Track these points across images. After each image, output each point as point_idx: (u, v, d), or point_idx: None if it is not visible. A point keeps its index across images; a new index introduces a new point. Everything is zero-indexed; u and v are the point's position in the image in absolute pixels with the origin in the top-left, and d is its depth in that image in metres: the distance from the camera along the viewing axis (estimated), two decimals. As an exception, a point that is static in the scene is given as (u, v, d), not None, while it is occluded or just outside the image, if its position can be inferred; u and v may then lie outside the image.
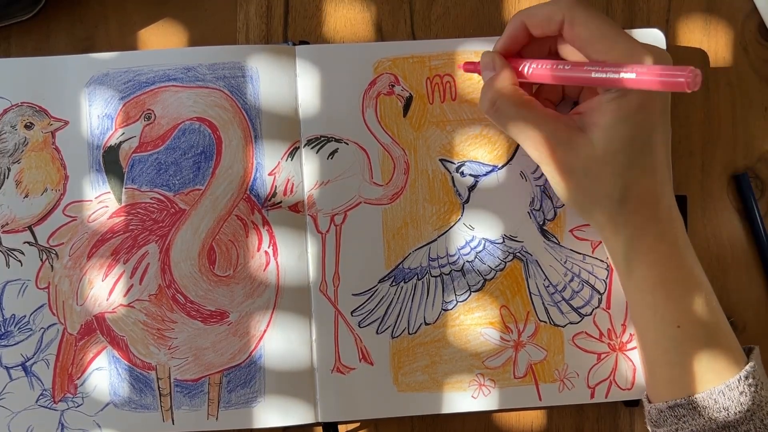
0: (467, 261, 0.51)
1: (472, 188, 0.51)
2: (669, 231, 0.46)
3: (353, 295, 0.51)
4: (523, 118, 0.45)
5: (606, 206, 0.45)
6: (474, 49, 0.51)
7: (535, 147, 0.45)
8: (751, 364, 0.45)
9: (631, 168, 0.45)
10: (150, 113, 0.50)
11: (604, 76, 0.41)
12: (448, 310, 0.51)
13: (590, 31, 0.44)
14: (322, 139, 0.51)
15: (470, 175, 0.51)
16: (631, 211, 0.45)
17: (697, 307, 0.45)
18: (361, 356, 0.51)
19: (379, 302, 0.51)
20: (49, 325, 0.50)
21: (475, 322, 0.51)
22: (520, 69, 0.46)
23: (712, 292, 0.47)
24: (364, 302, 0.51)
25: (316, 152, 0.51)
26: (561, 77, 0.44)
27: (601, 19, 0.44)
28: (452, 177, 0.51)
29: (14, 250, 0.50)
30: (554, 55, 0.48)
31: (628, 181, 0.45)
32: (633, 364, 0.51)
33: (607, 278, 0.52)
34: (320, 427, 0.52)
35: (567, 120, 0.45)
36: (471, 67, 0.50)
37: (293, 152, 0.50)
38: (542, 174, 0.51)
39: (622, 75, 0.40)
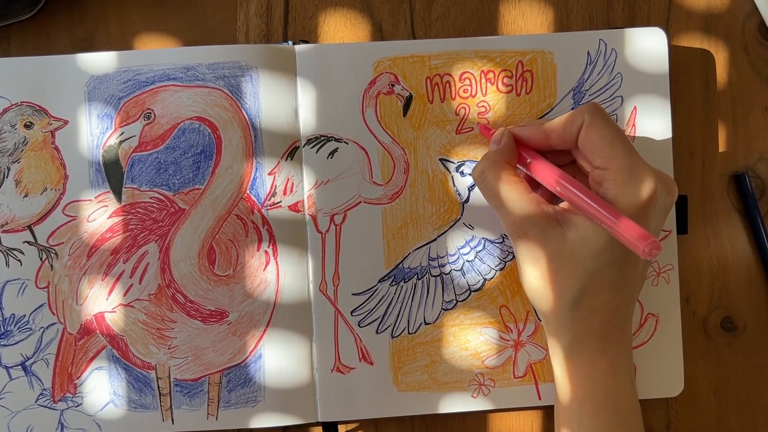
0: (467, 261, 0.51)
1: (472, 188, 0.51)
2: (612, 349, 0.46)
3: (353, 294, 0.51)
4: (505, 197, 0.46)
5: (556, 303, 0.45)
6: (474, 49, 0.51)
7: (509, 225, 0.46)
8: None
9: (595, 277, 0.44)
10: (150, 113, 0.50)
11: (589, 208, 0.43)
12: (448, 309, 0.51)
13: (602, 136, 0.45)
14: (322, 138, 0.51)
15: (470, 174, 0.51)
16: (578, 318, 0.45)
17: (621, 430, 0.45)
18: (360, 356, 0.51)
19: (378, 302, 0.51)
20: (49, 325, 0.50)
21: (474, 321, 0.51)
22: (525, 158, 0.48)
23: (641, 421, 0.47)
24: (364, 302, 0.51)
25: (316, 152, 0.51)
26: (553, 187, 0.46)
27: (616, 130, 0.45)
28: (452, 177, 0.51)
29: (14, 249, 0.50)
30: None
31: (586, 288, 0.45)
32: (634, 364, 0.51)
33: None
34: (320, 427, 0.52)
35: (549, 210, 0.45)
36: (485, 132, 0.51)
37: (293, 152, 0.50)
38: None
39: (602, 218, 0.43)
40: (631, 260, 0.45)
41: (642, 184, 0.44)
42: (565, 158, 0.49)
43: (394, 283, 0.51)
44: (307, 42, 0.52)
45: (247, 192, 0.50)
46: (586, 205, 0.43)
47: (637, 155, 0.45)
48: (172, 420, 0.50)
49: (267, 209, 0.50)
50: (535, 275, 0.46)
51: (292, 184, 0.50)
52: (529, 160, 0.48)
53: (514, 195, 0.45)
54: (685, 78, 0.54)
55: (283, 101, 0.50)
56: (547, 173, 0.46)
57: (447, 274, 0.51)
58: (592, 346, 0.46)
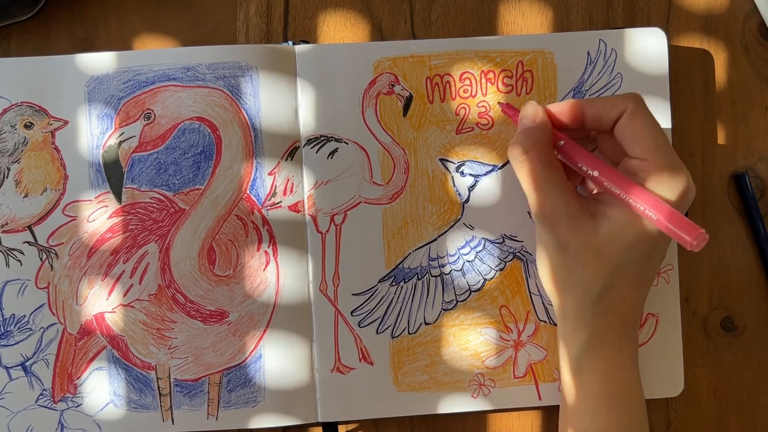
0: (467, 261, 0.51)
1: (472, 188, 0.51)
2: (627, 344, 0.46)
3: (353, 294, 0.51)
4: (544, 180, 0.45)
5: (580, 296, 0.45)
6: (474, 49, 0.51)
7: (541, 209, 0.45)
8: None
9: (621, 272, 0.44)
10: (150, 113, 0.50)
11: (625, 198, 0.43)
12: (448, 309, 0.51)
13: (645, 127, 0.44)
14: (322, 138, 0.51)
15: (470, 174, 0.51)
16: (599, 313, 0.45)
17: (633, 426, 0.45)
18: (361, 356, 0.51)
19: (379, 302, 0.51)
20: (49, 325, 0.50)
21: (474, 321, 0.51)
22: (557, 139, 0.47)
23: (647, 417, 0.47)
24: (364, 302, 0.51)
25: (316, 152, 0.51)
26: (586, 171, 0.45)
27: (658, 124, 0.45)
28: (452, 177, 0.51)
29: (14, 249, 0.50)
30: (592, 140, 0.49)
31: (612, 282, 0.44)
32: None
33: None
34: (320, 427, 0.52)
35: (582, 200, 0.45)
36: (509, 111, 0.50)
37: (293, 152, 0.50)
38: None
39: (639, 206, 0.42)
40: (655, 256, 0.45)
41: (679, 181, 0.43)
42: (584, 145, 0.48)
43: (394, 284, 0.51)
44: (307, 42, 0.52)
45: (247, 192, 0.50)
46: (632, 195, 0.43)
47: (674, 156, 0.45)
48: (172, 420, 0.50)
49: (267, 209, 0.50)
50: (558, 266, 0.45)
51: (292, 184, 0.50)
52: (562, 143, 0.46)
53: (554, 180, 0.45)
54: (685, 78, 0.54)
55: (283, 101, 0.50)
56: (587, 158, 0.45)
57: (447, 274, 0.51)
58: (609, 342, 0.45)
